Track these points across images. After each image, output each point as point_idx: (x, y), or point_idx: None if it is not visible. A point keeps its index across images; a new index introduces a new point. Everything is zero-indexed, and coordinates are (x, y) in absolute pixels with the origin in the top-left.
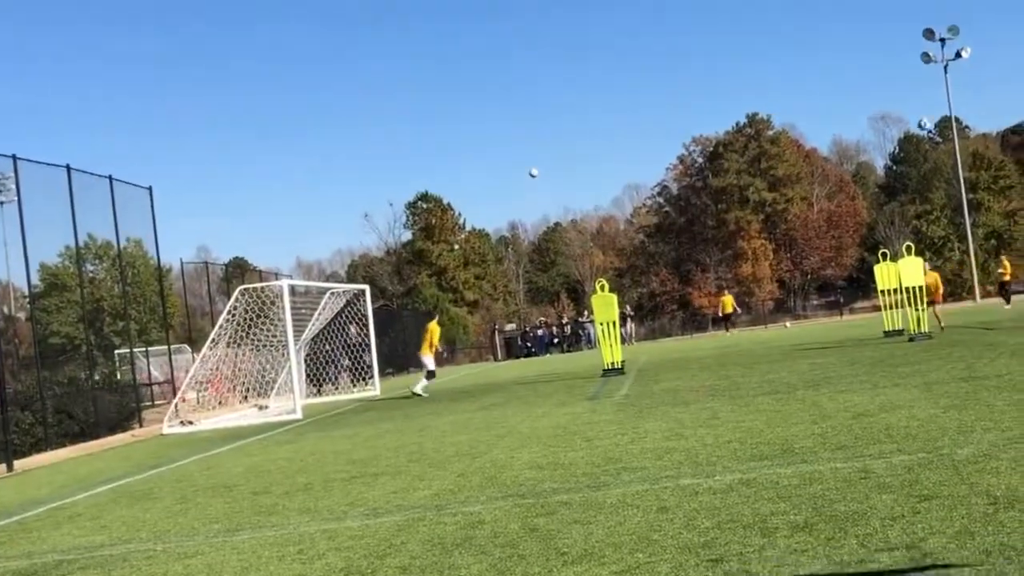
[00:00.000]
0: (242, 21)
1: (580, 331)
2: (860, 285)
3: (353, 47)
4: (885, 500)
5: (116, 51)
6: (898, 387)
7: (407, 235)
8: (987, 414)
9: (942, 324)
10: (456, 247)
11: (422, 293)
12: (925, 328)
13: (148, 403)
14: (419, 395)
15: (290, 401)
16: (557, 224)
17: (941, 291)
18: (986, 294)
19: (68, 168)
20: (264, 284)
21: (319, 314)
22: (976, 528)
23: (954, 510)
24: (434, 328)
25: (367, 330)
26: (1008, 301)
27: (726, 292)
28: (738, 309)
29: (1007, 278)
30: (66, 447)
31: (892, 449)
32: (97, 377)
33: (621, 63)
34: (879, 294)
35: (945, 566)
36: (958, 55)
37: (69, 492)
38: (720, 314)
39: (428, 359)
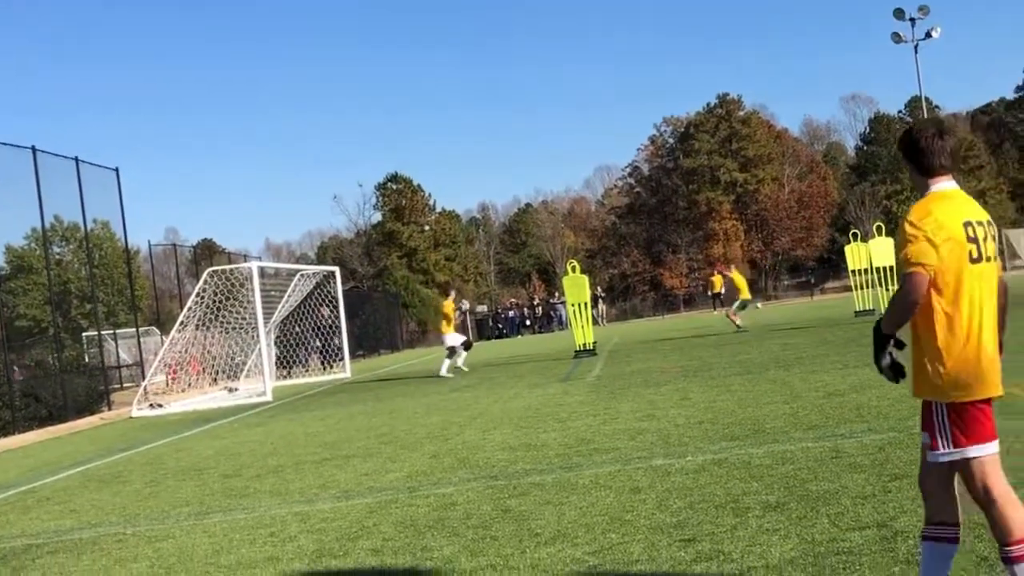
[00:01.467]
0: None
1: (551, 312)
2: (831, 265)
3: (323, 27)
4: (856, 479)
5: (82, 28)
6: (869, 367)
7: (377, 216)
8: None
9: None
10: (426, 228)
11: (392, 275)
12: None
13: (117, 386)
14: (446, 376)
15: (260, 383)
16: (528, 205)
17: None
18: None
19: (34, 149)
20: (233, 266)
21: (289, 296)
22: None
23: None
24: (448, 305)
25: (337, 312)
26: None
27: (732, 268)
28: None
29: None
30: (34, 430)
31: (863, 428)
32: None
33: (592, 43)
34: (850, 274)
35: (916, 544)
36: (928, 35)
37: (38, 476)
38: (711, 292)
39: (448, 337)
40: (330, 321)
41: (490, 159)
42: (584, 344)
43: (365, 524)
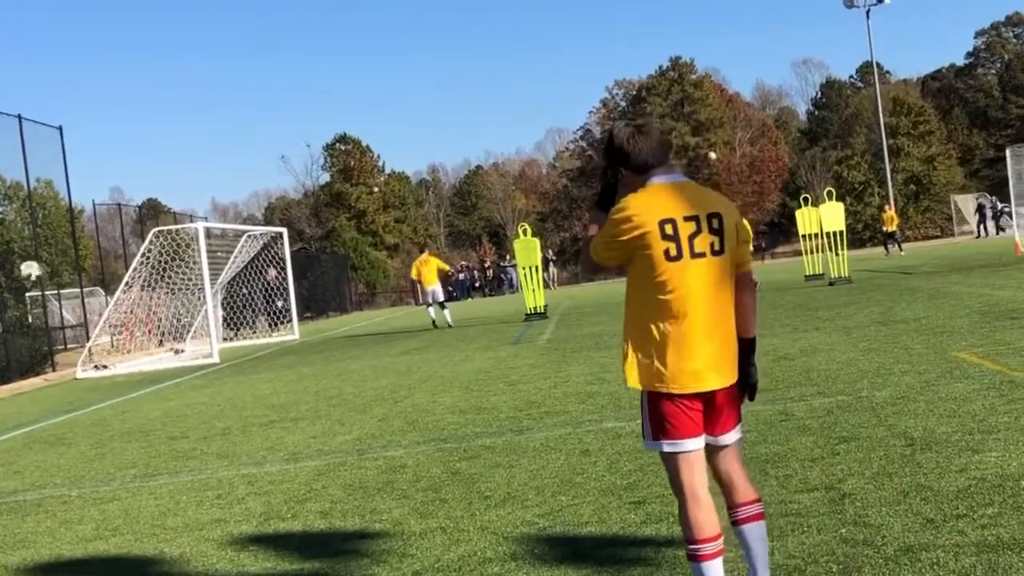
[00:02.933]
0: None
1: (502, 275)
2: (782, 230)
3: None
4: (805, 442)
5: None
6: (818, 331)
7: (325, 177)
8: (905, 357)
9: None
10: (375, 190)
11: (341, 236)
12: (846, 272)
13: (61, 347)
14: (451, 326)
15: (207, 345)
16: (479, 168)
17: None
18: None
19: None
20: (179, 226)
21: (236, 257)
22: (893, 469)
23: (872, 451)
24: (427, 260)
25: (285, 274)
26: (888, 251)
27: (888, 207)
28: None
29: (891, 228)
30: None
31: (812, 392)
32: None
33: (545, 4)
34: (800, 239)
35: (864, 507)
36: (880, 0)
37: None
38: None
39: (438, 288)
40: (277, 283)
41: (440, 121)
42: (535, 307)
43: (313, 487)
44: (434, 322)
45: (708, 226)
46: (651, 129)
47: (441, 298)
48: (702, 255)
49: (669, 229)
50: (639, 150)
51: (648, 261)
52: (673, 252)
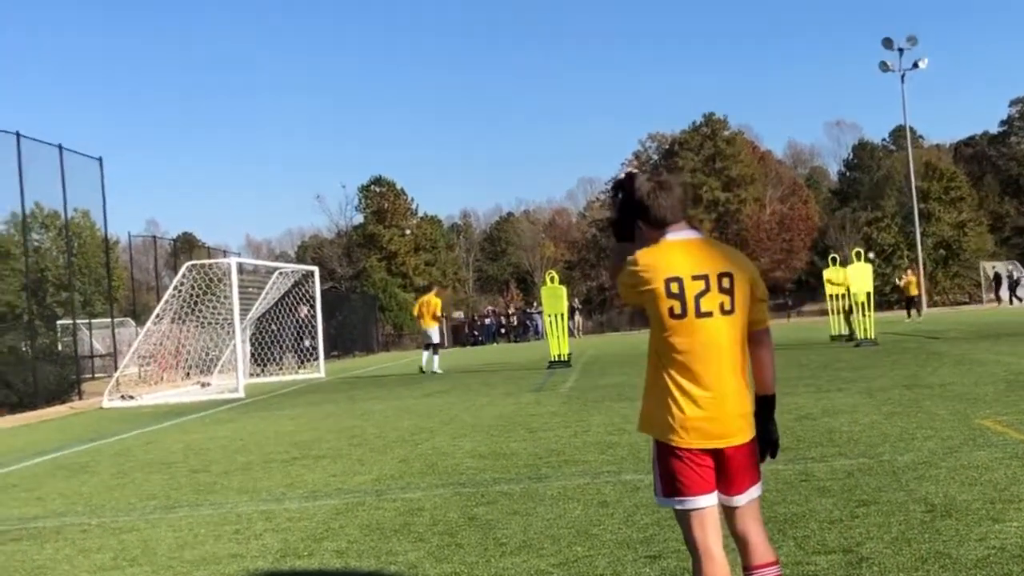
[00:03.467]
0: None
1: (528, 322)
2: (809, 288)
3: (314, 27)
4: (824, 503)
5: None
6: (842, 392)
7: (359, 218)
8: (928, 422)
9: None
10: (407, 232)
11: (371, 277)
12: (872, 334)
13: (89, 375)
14: (437, 372)
15: (233, 380)
16: (510, 214)
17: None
18: (932, 304)
19: (18, 135)
20: (212, 261)
21: (266, 294)
22: (913, 535)
23: (892, 516)
24: (430, 300)
25: (314, 311)
26: (909, 315)
27: (910, 271)
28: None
29: (912, 293)
30: (3, 416)
31: (833, 453)
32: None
33: (581, 57)
34: (827, 298)
35: (881, 571)
36: (915, 65)
37: (5, 462)
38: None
39: (434, 331)
40: (308, 320)
41: (474, 167)
42: (559, 355)
43: (331, 526)
44: (421, 368)
45: (718, 285)
46: (672, 186)
47: (434, 340)
48: (709, 314)
49: (675, 287)
50: (658, 206)
51: (656, 316)
52: (677, 310)
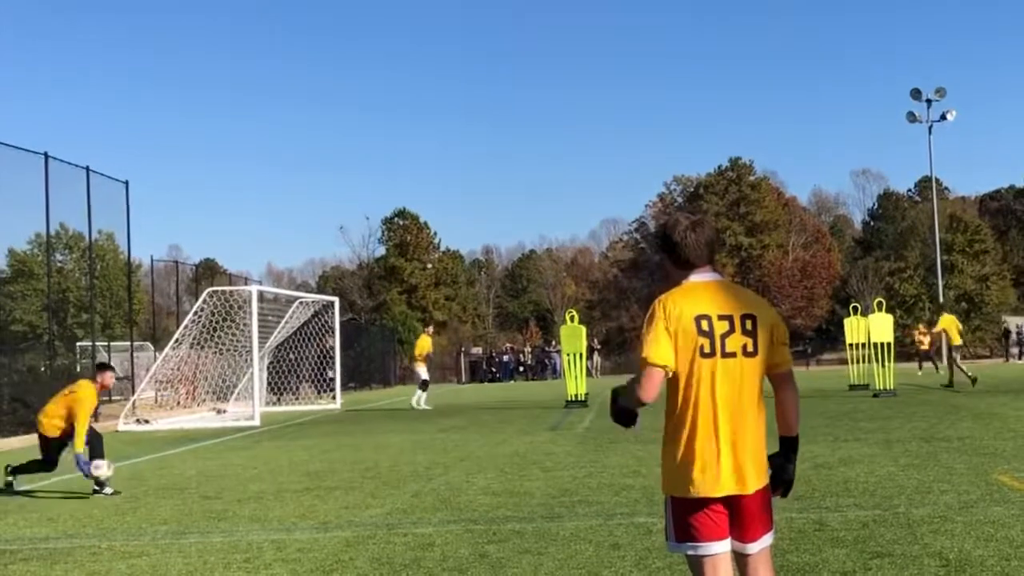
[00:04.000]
0: (231, 23)
1: (546, 360)
2: (829, 337)
3: (343, 60)
4: (838, 554)
5: (100, 40)
6: (859, 442)
7: (381, 250)
8: (945, 476)
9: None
10: (429, 266)
11: (391, 309)
12: (891, 385)
13: (105, 398)
14: (425, 408)
15: (249, 407)
16: (532, 252)
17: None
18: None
19: (46, 156)
20: (233, 288)
21: (286, 323)
22: None
23: (905, 569)
24: (425, 339)
25: (333, 342)
26: (937, 368)
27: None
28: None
29: (925, 347)
30: (19, 436)
31: (849, 503)
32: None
33: (608, 97)
34: (847, 347)
35: None
36: (943, 117)
37: (18, 481)
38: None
39: (421, 369)
40: (324, 350)
41: (498, 203)
42: (576, 395)
43: (341, 558)
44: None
45: (741, 327)
46: (705, 228)
47: (423, 377)
48: (732, 355)
49: (705, 325)
50: (687, 245)
51: (684, 357)
52: (707, 348)
